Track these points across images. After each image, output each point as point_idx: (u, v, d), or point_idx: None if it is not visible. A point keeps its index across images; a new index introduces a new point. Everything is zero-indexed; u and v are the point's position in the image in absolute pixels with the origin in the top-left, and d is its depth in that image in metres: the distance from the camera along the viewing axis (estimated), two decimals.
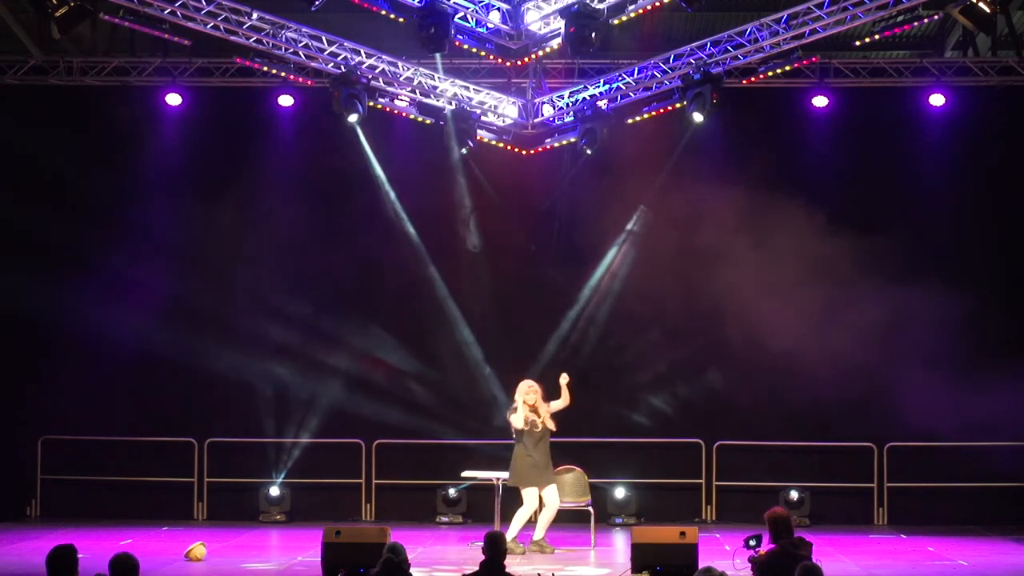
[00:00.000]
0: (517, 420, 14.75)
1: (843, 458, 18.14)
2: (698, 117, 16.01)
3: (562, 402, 14.99)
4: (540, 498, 14.86)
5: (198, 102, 18.45)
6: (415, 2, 14.43)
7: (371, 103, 16.24)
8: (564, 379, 15.05)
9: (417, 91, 16.92)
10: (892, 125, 18.31)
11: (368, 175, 18.37)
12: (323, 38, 15.75)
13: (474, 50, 16.00)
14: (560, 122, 17.73)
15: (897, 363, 17.37)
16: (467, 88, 17.35)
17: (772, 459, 18.07)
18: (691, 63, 16.11)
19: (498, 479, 15.40)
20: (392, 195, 18.44)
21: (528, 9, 15.73)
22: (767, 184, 17.52)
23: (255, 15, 15.05)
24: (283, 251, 18.37)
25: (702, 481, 18.30)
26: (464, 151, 17.26)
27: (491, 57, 16.32)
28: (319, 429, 18.33)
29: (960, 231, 18.07)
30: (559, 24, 15.22)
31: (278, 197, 18.40)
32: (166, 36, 16.01)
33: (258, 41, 15.33)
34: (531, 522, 14.94)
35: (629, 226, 18.25)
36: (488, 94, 17.59)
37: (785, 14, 15.19)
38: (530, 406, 14.78)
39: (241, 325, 18.14)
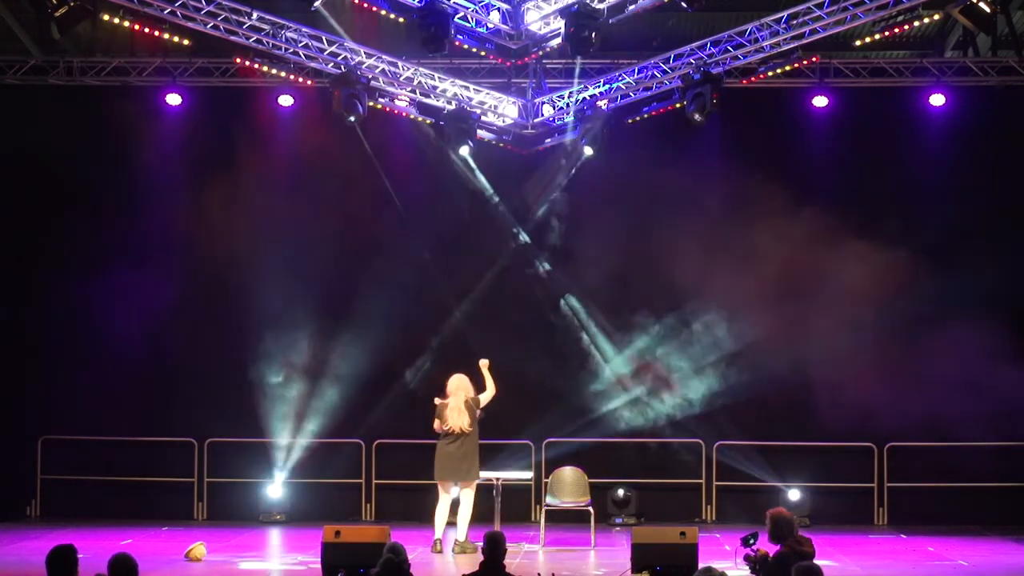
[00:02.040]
0: (491, 389, 15.14)
1: (843, 458, 18.14)
2: (698, 117, 16.00)
3: (488, 393, 15.11)
4: (455, 495, 15.14)
5: (198, 102, 18.46)
6: (415, 2, 14.42)
7: (371, 103, 16.23)
8: (484, 364, 15.13)
9: (417, 91, 16.91)
10: (892, 125, 18.31)
11: (368, 175, 18.37)
12: (323, 38, 15.74)
13: (474, 50, 15.99)
14: (560, 122, 17.72)
15: (898, 363, 17.37)
16: (467, 88, 17.34)
17: (772, 459, 18.07)
18: (691, 63, 16.10)
19: (498, 479, 15.42)
20: (392, 195, 18.44)
21: (528, 9, 15.72)
22: (767, 184, 17.50)
23: (255, 15, 15.03)
24: (282, 251, 18.34)
25: (702, 481, 18.30)
26: (464, 151, 17.25)
27: (491, 57, 16.31)
28: (319, 429, 18.33)
29: (960, 231, 18.04)
30: (559, 24, 15.22)
31: (278, 197, 18.37)
32: (167, 36, 16.04)
33: (258, 41, 15.32)
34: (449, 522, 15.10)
35: (627, 225, 18.21)
36: (488, 94, 17.58)
37: (785, 14, 15.18)
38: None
39: (241, 325, 18.15)
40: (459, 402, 14.96)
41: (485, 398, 15.10)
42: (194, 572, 13.80)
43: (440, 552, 14.85)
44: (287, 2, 15.24)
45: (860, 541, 16.19)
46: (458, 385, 15.05)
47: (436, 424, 15.08)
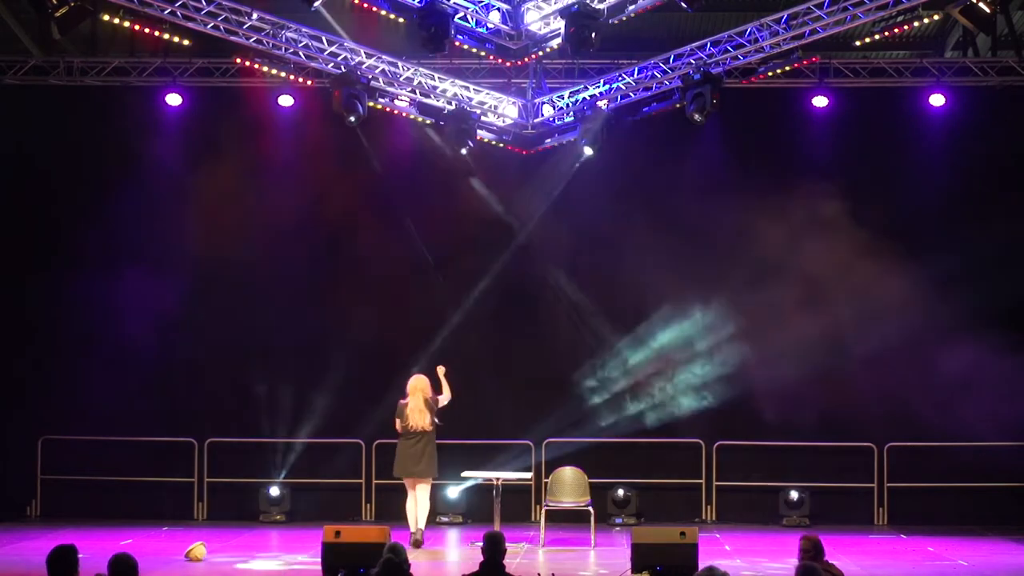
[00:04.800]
0: (448, 394, 15.48)
1: (843, 458, 18.14)
2: (698, 117, 16.00)
3: (445, 396, 15.46)
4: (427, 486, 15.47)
5: (198, 102, 18.47)
6: (415, 2, 14.42)
7: (371, 103, 16.23)
8: (441, 371, 15.51)
9: (417, 91, 16.91)
10: (892, 125, 18.31)
11: (368, 175, 18.38)
12: (323, 38, 15.74)
13: (474, 50, 15.99)
14: (560, 122, 17.72)
15: (897, 363, 17.38)
16: (467, 88, 17.34)
17: (772, 459, 18.08)
18: (691, 63, 16.10)
19: (498, 479, 15.44)
20: (392, 195, 18.45)
21: (528, 9, 15.72)
22: (767, 184, 17.51)
23: (255, 15, 15.04)
24: (282, 251, 18.35)
25: (702, 481, 18.30)
26: (464, 151, 17.25)
27: (491, 57, 16.31)
28: (319, 429, 18.33)
29: (961, 231, 18.04)
30: (559, 24, 15.21)
31: (277, 197, 18.37)
32: (167, 36, 16.06)
33: (258, 41, 15.32)
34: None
35: (627, 225, 18.22)
36: (488, 94, 17.58)
37: (785, 14, 15.19)
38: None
39: (241, 325, 18.14)
40: (419, 402, 15.30)
41: (443, 400, 15.43)
42: (194, 572, 13.80)
43: (419, 545, 15.09)
44: (287, 2, 15.23)
45: (860, 541, 16.20)
46: (415, 385, 15.42)
47: (397, 423, 15.47)
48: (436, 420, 15.33)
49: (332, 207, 18.32)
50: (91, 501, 18.12)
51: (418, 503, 15.36)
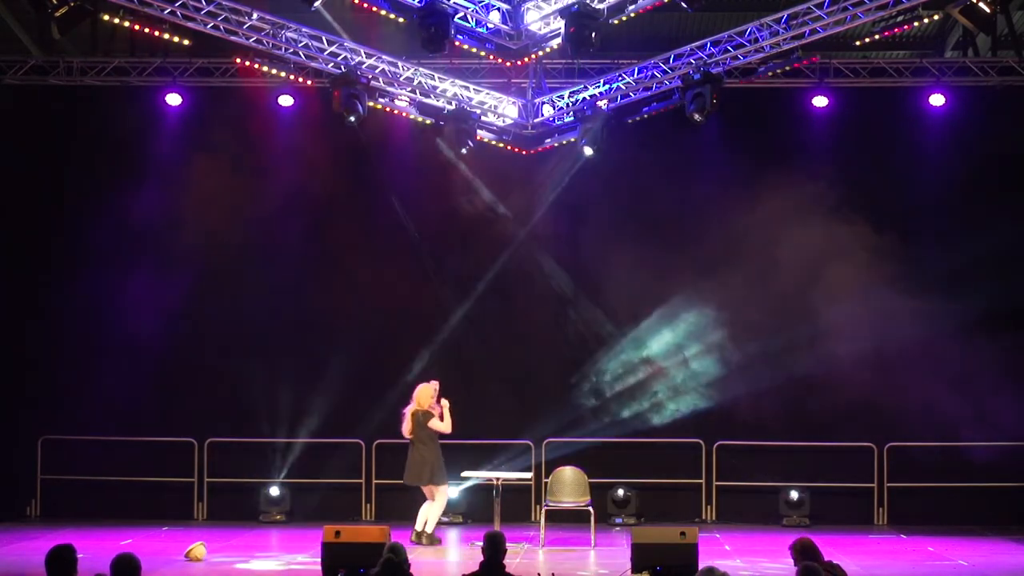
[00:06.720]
0: (446, 427, 15.44)
1: (843, 458, 18.14)
2: (698, 117, 16.00)
3: (444, 426, 15.51)
4: (431, 493, 15.53)
5: (198, 102, 18.46)
6: (415, 2, 14.42)
7: (371, 103, 16.23)
8: (445, 404, 15.60)
9: (417, 91, 16.91)
10: (892, 125, 18.31)
11: (368, 175, 18.38)
12: (323, 38, 15.75)
13: (474, 50, 15.98)
14: (560, 122, 17.72)
15: (897, 363, 17.38)
16: (467, 88, 17.34)
17: (772, 459, 18.07)
18: (691, 63, 16.10)
19: (498, 479, 15.44)
20: (392, 195, 18.45)
21: (528, 9, 15.72)
22: (767, 184, 17.50)
23: (255, 15, 15.04)
24: (282, 251, 18.36)
25: (702, 481, 18.30)
26: (464, 151, 17.24)
27: (491, 57, 16.30)
28: (319, 429, 18.33)
29: (960, 231, 18.05)
30: (559, 24, 15.22)
31: (277, 198, 18.37)
32: (167, 36, 16.08)
33: (258, 41, 15.33)
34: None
35: (627, 226, 18.22)
36: (488, 94, 17.58)
37: (785, 14, 15.19)
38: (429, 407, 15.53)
39: (241, 325, 18.15)
40: (409, 410, 15.50)
41: (435, 424, 15.45)
42: (194, 572, 13.80)
43: (419, 542, 15.22)
44: (287, 2, 15.24)
45: (860, 541, 16.20)
46: (415, 394, 15.61)
47: None
48: (411, 431, 15.42)
49: (331, 206, 18.33)
50: (91, 501, 18.12)
51: (427, 506, 15.52)
